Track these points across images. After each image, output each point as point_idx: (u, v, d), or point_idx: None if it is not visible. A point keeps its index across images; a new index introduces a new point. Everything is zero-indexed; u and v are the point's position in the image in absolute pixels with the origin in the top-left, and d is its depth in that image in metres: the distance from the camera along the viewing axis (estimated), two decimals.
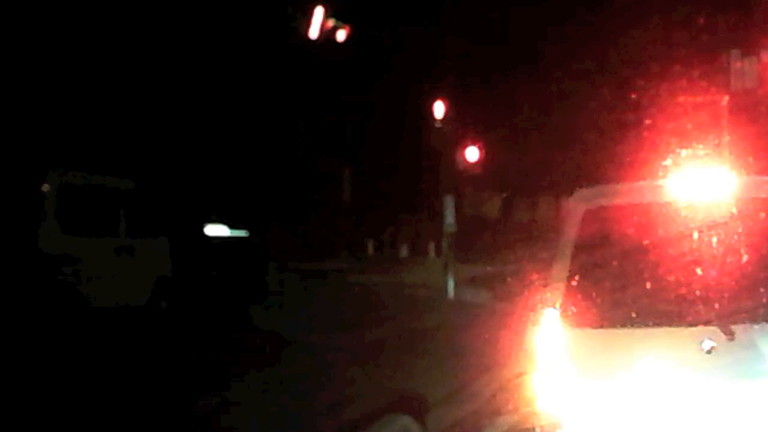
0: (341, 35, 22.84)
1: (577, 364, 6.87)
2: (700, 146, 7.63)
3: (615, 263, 6.89)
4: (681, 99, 22.99)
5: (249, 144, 27.66)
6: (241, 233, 24.33)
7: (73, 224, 16.72)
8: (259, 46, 26.57)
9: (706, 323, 6.67)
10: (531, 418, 7.23)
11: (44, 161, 17.62)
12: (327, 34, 22.41)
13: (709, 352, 6.66)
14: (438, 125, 24.10)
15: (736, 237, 6.80)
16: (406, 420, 10.20)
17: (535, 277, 7.80)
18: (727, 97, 24.03)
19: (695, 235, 6.82)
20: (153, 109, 24.07)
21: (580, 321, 6.89)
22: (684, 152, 7.34)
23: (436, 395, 11.79)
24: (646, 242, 6.87)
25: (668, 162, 7.21)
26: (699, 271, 6.76)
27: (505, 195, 42.87)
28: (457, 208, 25.30)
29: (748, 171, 7.35)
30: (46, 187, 16.60)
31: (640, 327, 6.81)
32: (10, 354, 12.49)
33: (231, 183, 26.92)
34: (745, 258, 6.76)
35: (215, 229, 24.85)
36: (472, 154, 29.87)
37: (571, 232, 7.05)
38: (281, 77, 28.06)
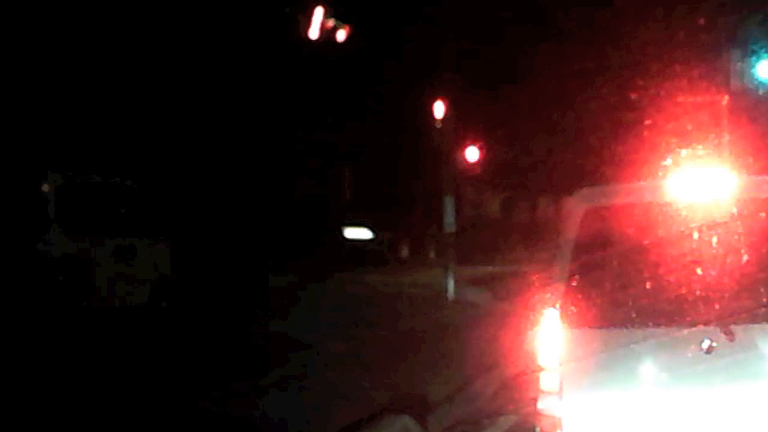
0: (341, 35, 22.84)
1: (577, 364, 6.87)
2: (700, 146, 7.64)
3: (615, 263, 6.90)
4: (681, 99, 22.98)
5: (248, 144, 27.66)
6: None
7: (73, 224, 16.72)
8: (258, 46, 26.57)
9: (706, 323, 6.67)
10: (531, 418, 7.23)
11: (44, 161, 17.61)
12: (327, 34, 22.40)
13: (708, 352, 6.66)
14: (438, 125, 24.07)
15: (736, 237, 6.80)
16: (406, 420, 10.21)
17: (535, 277, 7.80)
18: (727, 97, 24.04)
19: (695, 235, 6.82)
20: (153, 109, 24.06)
21: (580, 321, 6.90)
22: (684, 152, 7.35)
23: (437, 395, 11.80)
24: (646, 242, 6.87)
25: (668, 162, 7.21)
26: (699, 271, 6.76)
27: (505, 195, 42.86)
28: (457, 209, 25.28)
29: (748, 171, 7.35)
30: (46, 187, 16.59)
31: (639, 327, 6.81)
32: (11, 354, 12.49)
33: (230, 182, 26.92)
34: (745, 258, 6.76)
35: (355, 232, 25.21)
36: (472, 154, 29.85)
37: (571, 232, 7.06)
38: (281, 77, 28.05)
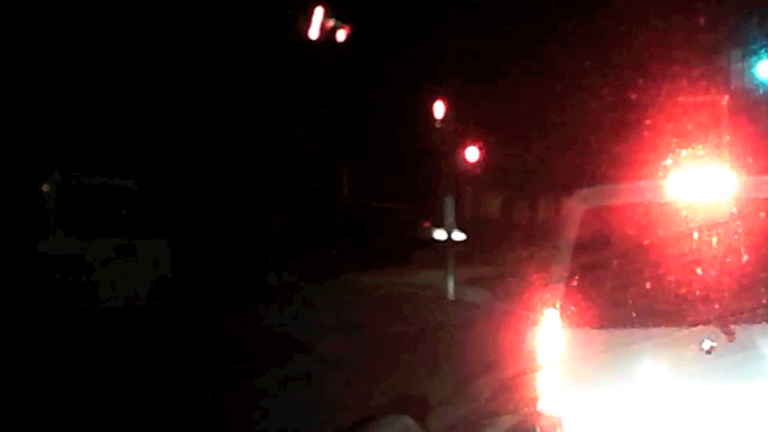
0: (341, 35, 22.85)
1: (577, 364, 6.86)
2: (700, 146, 7.63)
3: (615, 263, 6.89)
4: (681, 99, 22.96)
5: (249, 144, 27.66)
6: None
7: (73, 224, 16.72)
8: (259, 47, 26.57)
9: (706, 323, 6.67)
10: (531, 418, 7.23)
11: (44, 161, 17.61)
12: (327, 35, 22.41)
13: (709, 352, 6.66)
14: (438, 125, 24.07)
15: (736, 237, 6.80)
16: (406, 420, 10.20)
17: (535, 277, 7.79)
18: (727, 97, 24.02)
19: (695, 235, 6.81)
20: (153, 109, 24.06)
21: (580, 321, 6.89)
22: (684, 152, 7.35)
23: (437, 395, 11.80)
24: (646, 242, 6.87)
25: (668, 162, 7.21)
26: (699, 271, 6.75)
27: (505, 195, 42.88)
28: (457, 209, 25.29)
29: (748, 171, 7.35)
30: (46, 187, 16.60)
31: (639, 327, 6.80)
32: (11, 354, 12.49)
33: (230, 182, 26.92)
34: (745, 258, 6.75)
35: (441, 234, 25.35)
36: (472, 154, 29.86)
37: (571, 232, 7.05)
38: (281, 77, 28.05)
